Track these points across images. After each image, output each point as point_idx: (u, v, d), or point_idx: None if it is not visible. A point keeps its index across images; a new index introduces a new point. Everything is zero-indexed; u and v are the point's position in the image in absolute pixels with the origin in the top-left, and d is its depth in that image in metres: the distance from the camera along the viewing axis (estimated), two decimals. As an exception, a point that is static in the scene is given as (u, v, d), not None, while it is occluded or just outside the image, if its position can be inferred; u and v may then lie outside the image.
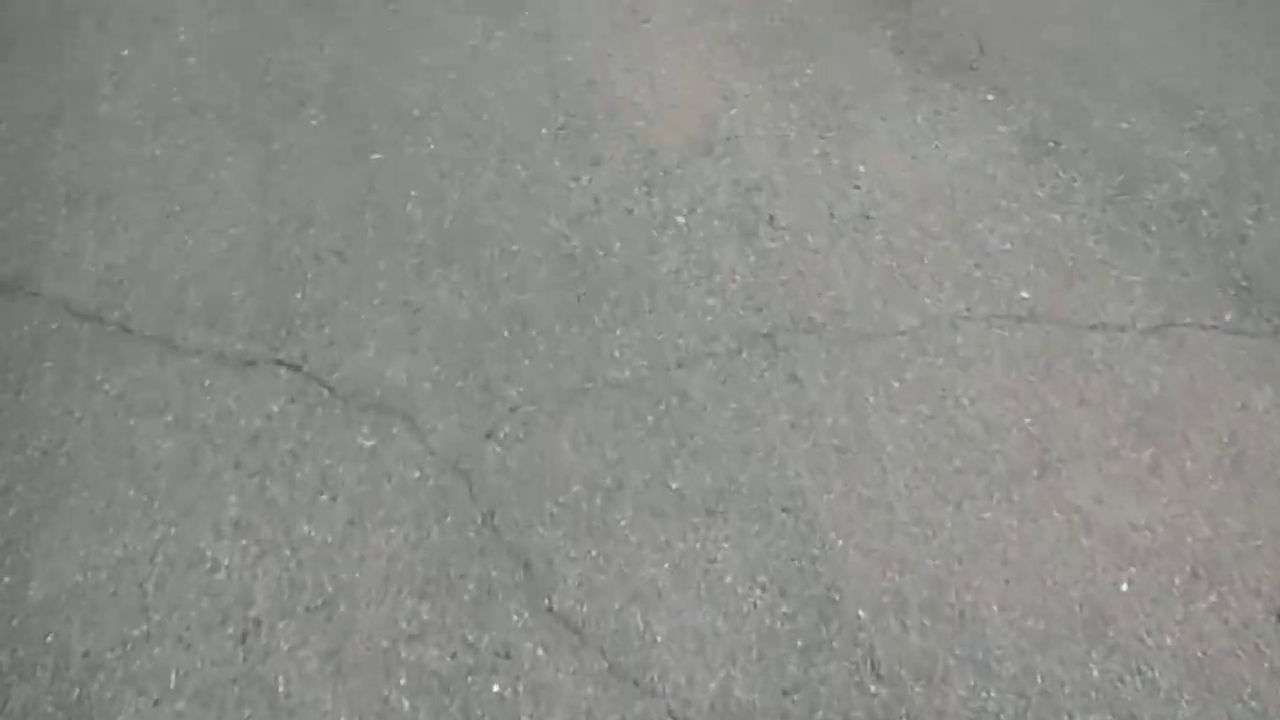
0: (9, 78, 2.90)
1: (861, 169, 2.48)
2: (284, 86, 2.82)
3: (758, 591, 1.77)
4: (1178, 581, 1.77)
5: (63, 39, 3.02)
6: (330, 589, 1.80)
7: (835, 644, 1.71)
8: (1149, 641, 1.70)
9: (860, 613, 1.75)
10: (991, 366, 2.08)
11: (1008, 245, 2.29)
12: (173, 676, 1.68)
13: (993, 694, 1.65)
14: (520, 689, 1.66)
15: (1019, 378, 2.06)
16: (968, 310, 2.17)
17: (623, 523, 1.87)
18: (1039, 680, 1.66)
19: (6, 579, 1.80)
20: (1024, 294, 2.20)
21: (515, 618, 1.75)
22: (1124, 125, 2.56)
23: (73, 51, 2.98)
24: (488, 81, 2.80)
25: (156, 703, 1.65)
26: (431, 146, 2.61)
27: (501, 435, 2.01)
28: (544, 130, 2.64)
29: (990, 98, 2.65)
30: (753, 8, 2.98)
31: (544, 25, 2.98)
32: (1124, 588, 1.76)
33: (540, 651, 1.70)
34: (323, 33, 3.00)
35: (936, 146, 2.53)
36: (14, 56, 2.96)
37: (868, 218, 2.37)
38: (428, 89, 2.78)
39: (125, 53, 2.97)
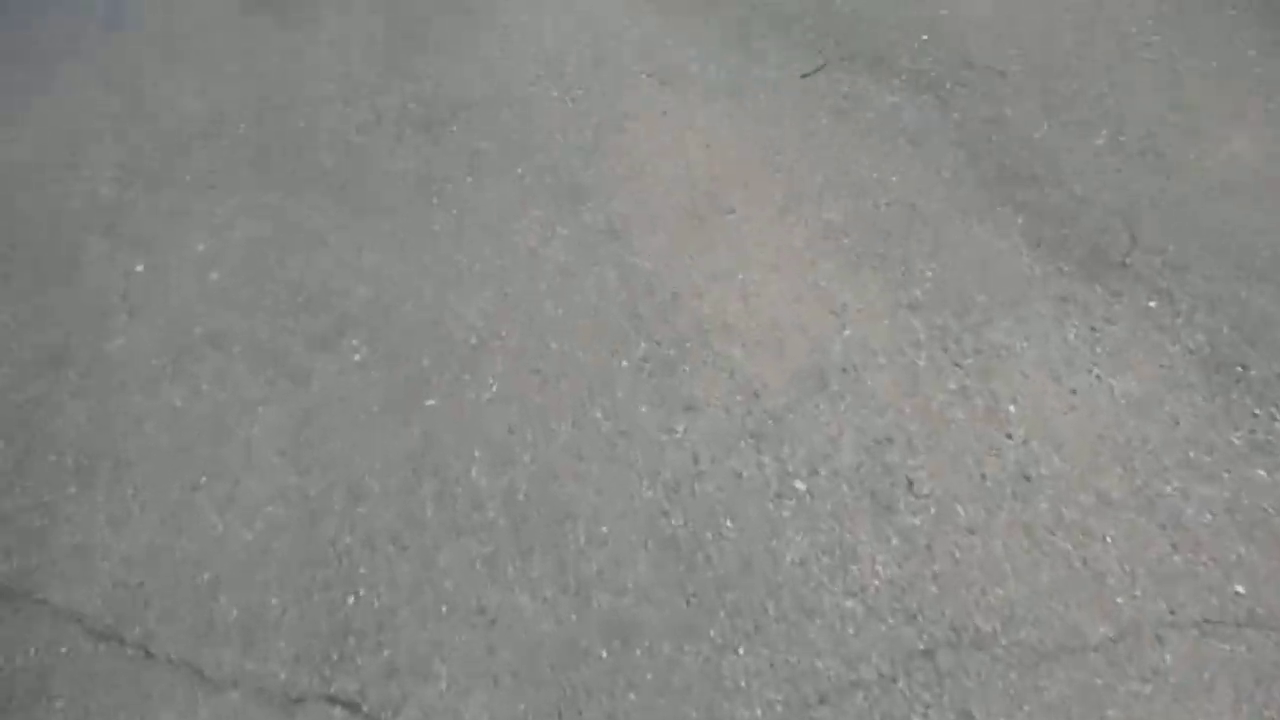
0: (7, 302, 2.71)
1: (1011, 409, 2.21)
2: (320, 307, 2.61)
3: None
4: None
5: (64, 252, 2.85)
6: None
7: None
8: None
9: None
10: (1215, 696, 1.78)
11: (1208, 516, 2.00)
12: None
13: None
14: None
15: (1253, 713, 1.76)
16: (1172, 614, 1.88)
17: None
18: None
19: None
20: (1239, 588, 1.90)
21: None
22: (1323, 339, 2.28)
23: (78, 269, 2.81)
24: (553, 295, 2.57)
25: None
26: (494, 388, 2.38)
27: (610, 807, 1.74)
28: (624, 362, 2.40)
29: (1153, 304, 2.38)
30: (852, 190, 2.74)
31: (610, 218, 2.76)
32: None
33: None
34: (360, 235, 2.80)
35: (1098, 375, 2.25)
36: (12, 276, 2.78)
37: (1028, 479, 2.09)
38: (484, 307, 2.56)
39: (139, 269, 2.79)
